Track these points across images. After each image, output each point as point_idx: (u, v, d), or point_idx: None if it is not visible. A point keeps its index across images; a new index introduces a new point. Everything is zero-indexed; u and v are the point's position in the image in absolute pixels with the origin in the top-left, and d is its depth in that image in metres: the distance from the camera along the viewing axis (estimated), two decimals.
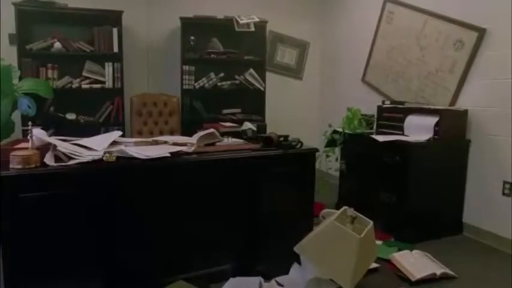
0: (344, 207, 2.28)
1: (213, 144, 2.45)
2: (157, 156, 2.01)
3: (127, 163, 1.98)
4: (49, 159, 1.84)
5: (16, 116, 3.37)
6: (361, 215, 2.27)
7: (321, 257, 2.14)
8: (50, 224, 1.80)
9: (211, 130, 2.50)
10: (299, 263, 2.46)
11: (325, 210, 3.35)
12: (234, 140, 2.56)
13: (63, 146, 1.96)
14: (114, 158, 1.93)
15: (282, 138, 2.49)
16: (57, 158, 1.88)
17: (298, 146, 2.49)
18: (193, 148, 2.24)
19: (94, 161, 1.90)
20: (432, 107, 3.24)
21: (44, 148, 1.95)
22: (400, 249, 2.81)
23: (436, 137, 3.09)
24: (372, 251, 2.27)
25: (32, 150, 1.81)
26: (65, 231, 1.84)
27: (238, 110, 4.59)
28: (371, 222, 2.21)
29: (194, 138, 2.45)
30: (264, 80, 4.51)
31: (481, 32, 3.09)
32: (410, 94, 3.83)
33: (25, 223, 1.74)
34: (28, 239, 1.76)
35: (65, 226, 1.84)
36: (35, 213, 1.76)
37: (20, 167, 1.72)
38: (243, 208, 2.32)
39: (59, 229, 1.82)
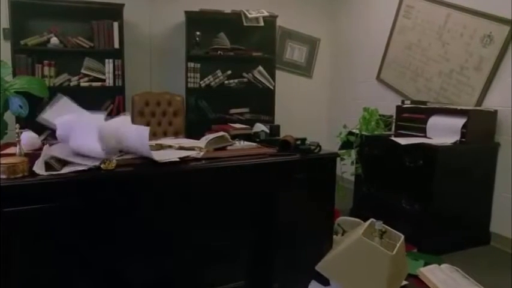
0: (371, 220, 2.05)
1: (223, 148, 2.22)
2: (167, 160, 1.79)
3: (128, 171, 1.74)
4: (39, 168, 1.61)
5: (12, 117, 3.15)
6: (390, 228, 2.04)
7: (347, 277, 1.91)
8: (40, 242, 1.56)
9: (222, 133, 2.27)
10: (317, 280, 2.24)
11: (341, 218, 3.13)
12: (246, 143, 2.32)
13: (58, 150, 1.73)
14: (113, 165, 1.70)
15: (299, 142, 2.26)
16: (48, 166, 1.64)
17: (316, 150, 2.25)
18: (202, 153, 2.01)
19: (90, 169, 1.66)
20: (459, 107, 3.00)
21: (34, 154, 1.72)
22: (426, 263, 2.58)
23: (463, 139, 2.85)
24: (403, 268, 2.04)
25: (19, 158, 1.58)
26: (57, 250, 1.61)
27: (246, 110, 4.36)
28: (402, 237, 1.97)
29: (202, 142, 2.21)
30: (273, 78, 4.28)
31: None
32: (431, 93, 3.59)
33: (10, 242, 1.51)
34: (14, 260, 1.53)
35: (58, 244, 1.61)
36: (22, 230, 1.53)
37: (4, 177, 1.49)
38: (257, 219, 2.09)
39: (51, 248, 1.59)
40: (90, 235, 1.68)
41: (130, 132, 1.82)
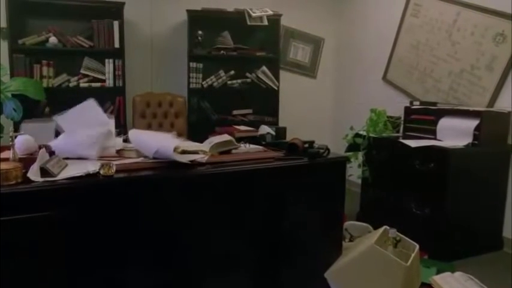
0: (384, 227, 1.95)
1: (228, 151, 2.12)
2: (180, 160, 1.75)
3: (128, 177, 1.65)
4: (34, 174, 1.51)
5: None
6: (404, 237, 1.94)
7: (357, 286, 1.82)
8: (34, 253, 1.47)
9: (227, 137, 2.17)
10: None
11: (348, 223, 3.03)
12: (252, 146, 2.23)
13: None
14: (113, 171, 1.61)
15: (306, 145, 2.17)
16: (44, 171, 1.55)
17: (325, 154, 2.16)
18: (206, 157, 1.91)
19: (89, 175, 1.57)
20: (471, 108, 2.90)
21: (30, 159, 1.63)
22: (439, 270, 2.48)
23: (475, 142, 2.76)
24: (416, 278, 1.94)
25: (12, 163, 1.48)
26: (53, 261, 1.52)
27: (250, 111, 4.27)
28: (417, 246, 1.88)
29: (206, 145, 2.12)
30: (277, 78, 4.19)
31: None
32: (440, 94, 3.49)
33: (3, 253, 1.42)
34: (6, 274, 1.43)
35: (54, 255, 1.51)
36: (15, 241, 1.43)
37: None
38: (263, 226, 2.00)
39: (46, 260, 1.50)
40: (88, 244, 1.59)
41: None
